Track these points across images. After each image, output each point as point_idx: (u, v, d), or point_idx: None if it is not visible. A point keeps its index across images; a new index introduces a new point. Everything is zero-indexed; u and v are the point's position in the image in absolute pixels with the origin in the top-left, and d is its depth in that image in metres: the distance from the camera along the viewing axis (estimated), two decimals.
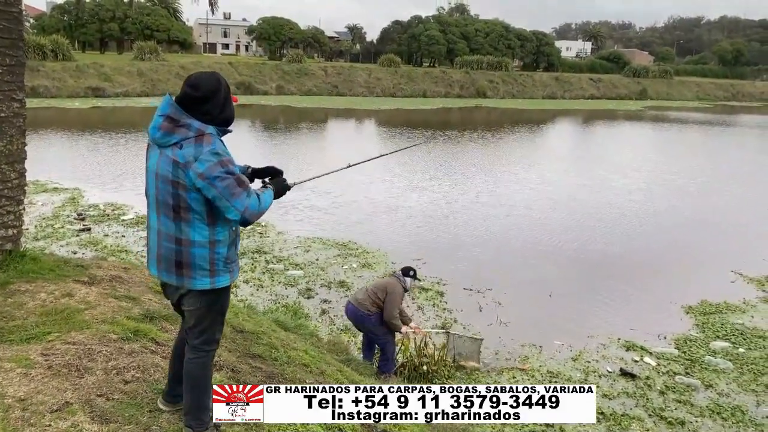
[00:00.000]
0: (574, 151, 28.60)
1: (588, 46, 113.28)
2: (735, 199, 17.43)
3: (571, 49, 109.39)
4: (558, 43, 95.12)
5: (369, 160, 4.35)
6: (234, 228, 2.83)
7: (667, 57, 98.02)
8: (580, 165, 23.36)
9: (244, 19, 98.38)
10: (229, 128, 2.88)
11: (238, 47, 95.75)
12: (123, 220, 11.99)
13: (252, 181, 3.08)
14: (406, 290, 6.52)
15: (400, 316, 6.48)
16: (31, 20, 67.93)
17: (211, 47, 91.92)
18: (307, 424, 3.49)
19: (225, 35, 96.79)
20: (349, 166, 3.77)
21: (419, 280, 6.62)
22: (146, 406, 2.95)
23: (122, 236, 10.88)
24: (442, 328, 7.60)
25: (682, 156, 27.27)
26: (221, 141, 2.77)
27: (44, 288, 4.04)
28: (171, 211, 2.72)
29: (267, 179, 3.08)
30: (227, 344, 4.23)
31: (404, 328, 6.42)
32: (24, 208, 4.64)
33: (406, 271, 6.56)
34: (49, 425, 2.56)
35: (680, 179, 19.97)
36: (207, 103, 2.75)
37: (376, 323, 6.30)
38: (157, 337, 3.72)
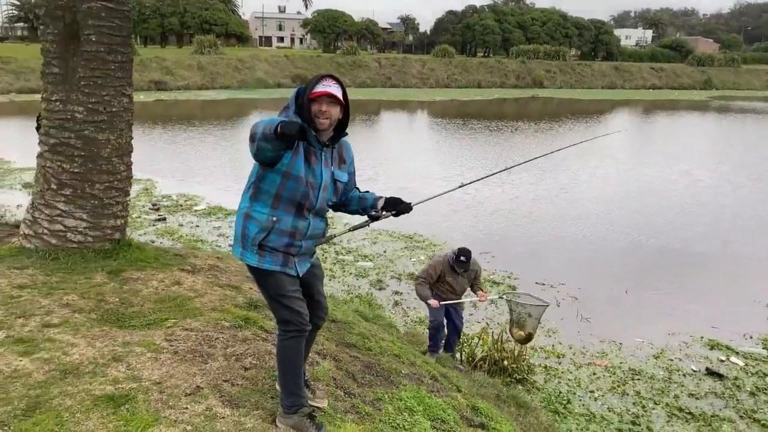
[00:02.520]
0: (647, 143, 27.76)
1: (648, 34, 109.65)
2: None
3: (630, 37, 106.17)
4: (617, 32, 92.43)
5: (481, 179, 4.34)
6: (275, 218, 2.77)
7: (733, 44, 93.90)
8: (652, 158, 22.66)
9: (299, 12, 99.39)
10: (312, 132, 2.79)
11: (292, 40, 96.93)
12: (196, 211, 12.34)
13: (383, 210, 3.17)
14: (452, 267, 6.28)
15: (472, 287, 6.46)
16: None
17: (267, 40, 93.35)
18: (414, 415, 3.54)
19: (280, 28, 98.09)
20: (462, 186, 3.85)
21: (462, 263, 6.27)
22: (268, 392, 3.04)
23: (196, 226, 11.20)
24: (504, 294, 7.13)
25: (759, 148, 26.12)
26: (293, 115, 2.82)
27: (154, 276, 4.21)
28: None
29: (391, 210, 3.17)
30: (325, 333, 4.31)
31: (432, 302, 6.19)
32: (130, 200, 4.84)
33: (457, 251, 6.34)
34: (186, 408, 2.67)
35: (760, 173, 19.15)
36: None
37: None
38: (265, 325, 3.82)
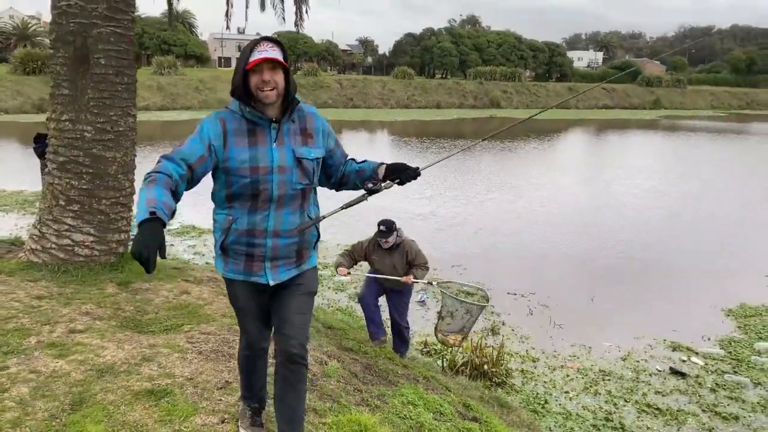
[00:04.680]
0: (601, 159, 28.83)
1: (599, 56, 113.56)
2: (760, 205, 17.63)
3: (582, 59, 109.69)
4: (569, 54, 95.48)
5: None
6: (231, 217, 2.51)
7: (679, 66, 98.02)
8: (604, 174, 23.58)
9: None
10: (256, 112, 2.48)
11: None
12: (169, 230, 12.39)
13: (385, 180, 2.72)
14: (377, 243, 6.00)
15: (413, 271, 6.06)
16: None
17: (226, 61, 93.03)
18: (417, 408, 3.84)
19: (239, 49, 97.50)
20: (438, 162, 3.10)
21: (382, 232, 6.11)
22: None
23: (171, 245, 11.26)
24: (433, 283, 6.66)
25: (706, 163, 27.44)
26: (231, 118, 2.52)
27: (162, 287, 4.42)
28: None
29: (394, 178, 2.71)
30: (325, 338, 4.58)
31: (340, 269, 5.94)
32: (133, 215, 5.03)
33: (379, 222, 6.05)
34: (220, 399, 2.91)
35: (709, 186, 20.19)
36: None
37: None
38: None
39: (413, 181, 2.74)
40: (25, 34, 64.74)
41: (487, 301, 6.88)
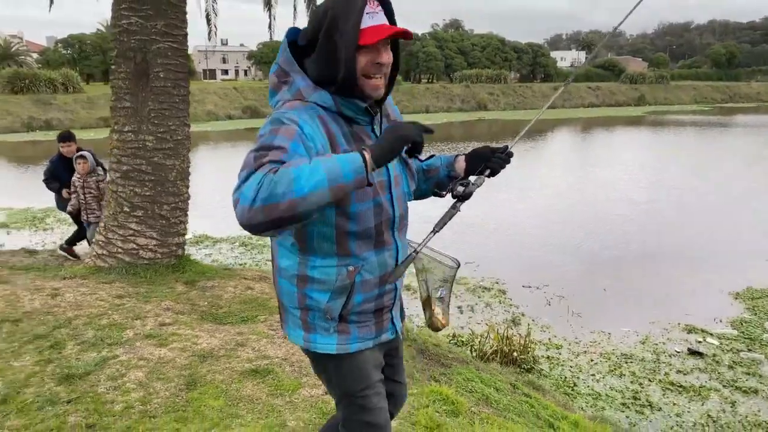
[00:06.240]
0: (599, 155, 29.31)
1: (582, 55, 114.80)
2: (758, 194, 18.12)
3: (565, 59, 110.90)
4: (552, 54, 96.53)
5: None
6: (353, 267, 1.78)
7: (661, 62, 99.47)
8: (606, 169, 24.03)
9: (242, 45, 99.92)
10: (359, 102, 1.76)
11: (237, 72, 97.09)
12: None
13: (468, 174, 2.01)
14: None
15: None
16: (35, 55, 69.04)
17: (211, 73, 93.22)
18: (477, 383, 4.13)
19: (224, 61, 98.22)
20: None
21: None
22: None
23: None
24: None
25: (703, 154, 28.01)
26: (330, 117, 1.73)
27: (226, 284, 4.69)
28: None
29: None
30: None
31: None
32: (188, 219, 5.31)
33: None
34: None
35: (708, 177, 20.69)
36: (309, 47, 1.76)
37: None
38: None
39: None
40: (8, 54, 64.53)
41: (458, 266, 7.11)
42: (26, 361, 3.39)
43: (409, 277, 8.19)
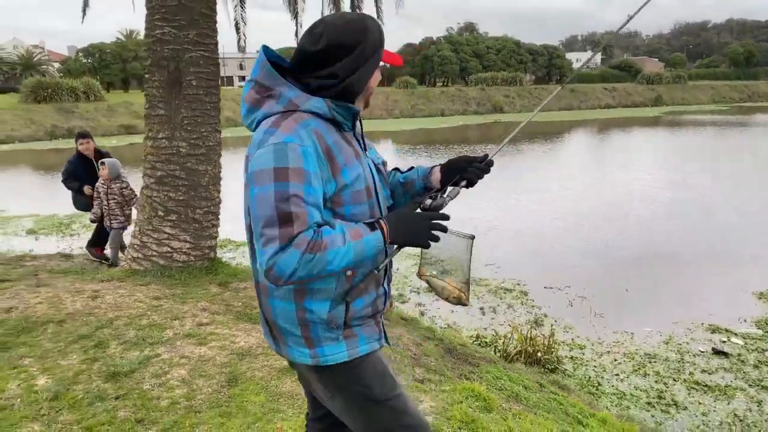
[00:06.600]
0: (616, 156, 29.19)
1: (598, 56, 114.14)
2: None
3: (580, 60, 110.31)
4: (568, 55, 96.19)
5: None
6: (350, 272, 1.79)
7: (678, 62, 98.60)
8: (623, 170, 23.93)
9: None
10: (353, 106, 1.81)
11: None
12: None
13: (445, 186, 2.05)
14: None
15: None
16: (57, 64, 70.21)
17: (228, 80, 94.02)
18: (505, 381, 4.21)
19: (241, 68, 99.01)
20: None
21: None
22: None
23: None
24: None
25: (723, 154, 27.77)
26: (323, 127, 1.75)
27: None
28: (247, 232, 1.83)
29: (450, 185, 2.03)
30: (401, 328, 4.96)
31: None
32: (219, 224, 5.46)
33: None
34: None
35: (727, 176, 20.54)
36: (331, 57, 1.77)
37: None
38: None
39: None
40: (30, 63, 65.74)
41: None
42: (73, 360, 3.56)
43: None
